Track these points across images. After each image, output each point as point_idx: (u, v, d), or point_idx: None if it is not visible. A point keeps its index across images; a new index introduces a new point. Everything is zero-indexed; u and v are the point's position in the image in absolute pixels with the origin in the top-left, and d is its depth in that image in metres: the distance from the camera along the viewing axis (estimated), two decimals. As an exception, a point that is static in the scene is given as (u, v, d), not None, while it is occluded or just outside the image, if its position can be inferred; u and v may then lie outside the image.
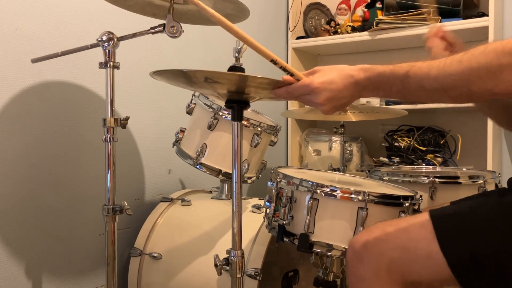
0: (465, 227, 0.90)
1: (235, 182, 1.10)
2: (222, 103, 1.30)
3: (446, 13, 2.15)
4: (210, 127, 1.48)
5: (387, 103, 2.31)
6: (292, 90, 0.99)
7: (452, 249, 0.89)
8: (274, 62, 0.97)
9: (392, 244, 0.94)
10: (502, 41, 0.82)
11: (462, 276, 0.88)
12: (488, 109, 1.35)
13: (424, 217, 0.94)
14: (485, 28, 2.05)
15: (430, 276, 0.91)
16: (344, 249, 1.14)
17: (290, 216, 1.20)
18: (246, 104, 1.09)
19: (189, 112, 1.59)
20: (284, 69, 0.99)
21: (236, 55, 1.21)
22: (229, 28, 0.94)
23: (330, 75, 0.97)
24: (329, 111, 1.00)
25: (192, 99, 1.58)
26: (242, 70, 1.09)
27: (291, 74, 0.99)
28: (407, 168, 1.92)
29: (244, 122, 1.45)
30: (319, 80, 0.96)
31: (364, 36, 2.34)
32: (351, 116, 1.86)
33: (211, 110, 1.48)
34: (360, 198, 1.14)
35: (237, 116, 1.08)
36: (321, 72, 0.98)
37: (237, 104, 1.08)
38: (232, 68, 1.10)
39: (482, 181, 1.48)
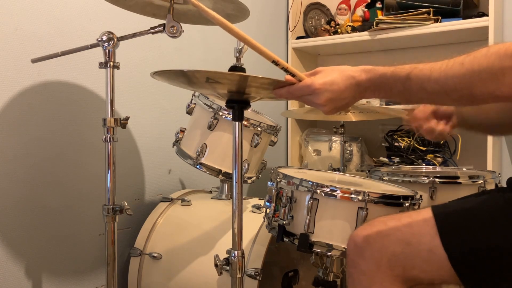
0: (467, 222, 0.91)
1: (236, 182, 1.10)
2: (222, 103, 1.30)
3: (446, 13, 2.15)
4: (210, 127, 1.48)
5: (387, 103, 2.31)
6: (293, 91, 0.99)
7: (454, 245, 0.89)
8: (275, 63, 0.98)
9: (394, 238, 0.95)
10: (505, 43, 0.82)
11: (463, 272, 0.89)
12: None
13: (426, 213, 0.95)
14: (485, 28, 2.05)
15: (431, 272, 0.91)
16: (344, 249, 1.14)
17: (290, 216, 1.20)
18: (246, 104, 1.09)
19: (189, 112, 1.59)
20: (286, 70, 0.99)
21: (237, 55, 1.21)
22: (230, 30, 0.94)
23: (332, 76, 0.97)
24: (330, 112, 1.00)
25: (192, 99, 1.58)
26: (243, 70, 1.09)
27: (293, 75, 0.99)
28: (407, 168, 1.92)
29: (244, 122, 1.45)
30: (320, 81, 0.96)
31: (364, 36, 2.34)
32: (351, 116, 1.87)
33: (211, 110, 1.48)
34: (360, 198, 1.14)
35: (238, 116, 1.08)
36: (323, 73, 0.99)
37: (237, 104, 1.08)
38: (233, 68, 1.10)
39: (482, 181, 1.48)
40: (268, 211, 1.30)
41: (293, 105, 2.61)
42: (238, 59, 1.22)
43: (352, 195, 1.15)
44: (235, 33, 0.94)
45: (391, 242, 0.95)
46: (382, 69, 0.95)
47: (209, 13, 0.93)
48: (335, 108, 1.00)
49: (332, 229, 1.17)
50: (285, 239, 1.22)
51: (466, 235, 0.90)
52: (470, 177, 1.51)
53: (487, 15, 2.06)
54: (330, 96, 0.97)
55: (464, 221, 0.92)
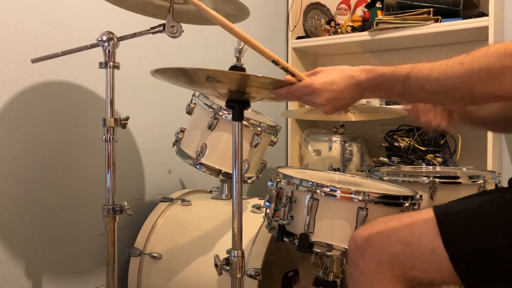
0: (469, 223, 0.91)
1: (236, 182, 1.10)
2: (222, 103, 1.30)
3: (446, 13, 2.15)
4: (210, 127, 1.48)
5: (387, 103, 2.31)
6: (293, 90, 0.99)
7: (455, 245, 0.89)
8: (275, 62, 0.98)
9: (395, 239, 0.95)
10: (505, 43, 0.82)
11: (463, 272, 0.88)
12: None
13: (428, 213, 0.94)
14: (485, 28, 2.05)
15: (432, 272, 0.91)
16: (344, 249, 1.14)
17: (290, 216, 1.20)
18: (246, 104, 1.09)
19: (189, 112, 1.59)
20: (286, 70, 0.99)
21: (237, 55, 1.21)
22: (230, 29, 0.94)
23: (332, 76, 0.97)
24: (330, 112, 1.00)
25: (192, 99, 1.58)
26: (243, 70, 1.09)
27: (293, 75, 0.99)
28: (407, 168, 1.92)
29: (244, 122, 1.45)
30: (320, 80, 0.96)
31: (364, 36, 2.34)
32: (351, 116, 1.86)
33: (211, 110, 1.48)
34: (360, 198, 1.14)
35: (238, 116, 1.08)
36: (323, 73, 0.99)
37: (237, 104, 1.08)
38: (233, 68, 1.10)
39: (482, 181, 1.48)
40: (268, 211, 1.30)
41: (293, 105, 2.61)
42: (238, 59, 1.22)
43: (352, 195, 1.15)
44: (235, 32, 0.94)
45: (392, 242, 0.95)
46: (382, 69, 0.95)
47: (210, 12, 0.93)
48: (335, 108, 1.00)
49: (332, 229, 1.17)
50: (285, 239, 1.22)
51: (467, 235, 0.90)
52: (470, 177, 1.51)
53: (487, 15, 2.06)
54: (330, 96, 0.97)
55: (465, 221, 0.91)
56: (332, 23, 2.52)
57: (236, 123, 1.09)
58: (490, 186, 1.50)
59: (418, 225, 0.94)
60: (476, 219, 0.92)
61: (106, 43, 1.24)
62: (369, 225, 1.02)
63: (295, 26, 2.59)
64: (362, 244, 0.98)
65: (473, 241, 0.89)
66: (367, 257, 0.96)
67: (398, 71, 0.93)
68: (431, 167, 2.03)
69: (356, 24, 2.46)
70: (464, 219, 0.92)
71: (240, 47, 1.21)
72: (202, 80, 1.06)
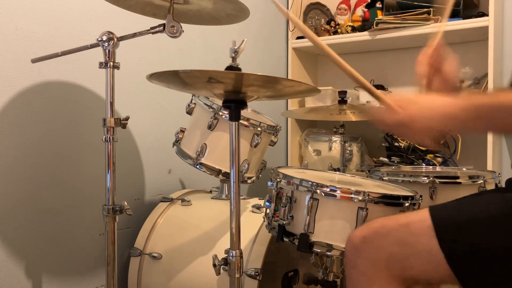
0: (465, 223, 0.91)
1: (233, 182, 1.10)
2: (222, 103, 1.30)
3: (446, 13, 2.15)
4: (210, 127, 1.48)
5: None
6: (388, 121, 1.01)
7: (451, 245, 0.89)
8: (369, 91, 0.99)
9: (392, 239, 0.95)
10: None
11: (460, 271, 0.88)
12: None
13: (424, 213, 0.95)
14: (485, 28, 2.05)
15: (429, 272, 0.91)
16: (344, 249, 1.14)
17: (290, 216, 1.20)
18: (243, 104, 1.09)
19: (189, 112, 1.59)
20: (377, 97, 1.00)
21: (233, 55, 1.20)
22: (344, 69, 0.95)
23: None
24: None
25: (192, 99, 1.58)
26: (239, 70, 1.09)
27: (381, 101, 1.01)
28: (407, 168, 1.92)
29: (244, 122, 1.45)
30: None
31: (364, 36, 2.34)
32: (351, 116, 1.86)
33: (211, 110, 1.48)
34: (360, 198, 1.14)
35: (234, 116, 1.08)
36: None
37: (234, 104, 1.08)
38: (228, 69, 1.10)
39: (482, 181, 1.48)
40: (268, 211, 1.30)
41: (293, 105, 2.61)
42: (234, 59, 1.22)
43: (352, 195, 1.15)
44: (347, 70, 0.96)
45: (389, 242, 0.95)
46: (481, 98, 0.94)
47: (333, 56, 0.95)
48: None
49: (332, 229, 1.18)
50: (285, 239, 1.22)
51: (463, 235, 0.90)
52: (470, 177, 1.51)
53: (487, 15, 2.06)
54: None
55: (461, 221, 0.92)
56: (332, 23, 2.52)
57: (233, 123, 1.09)
58: (490, 186, 1.51)
59: (414, 225, 0.94)
60: (472, 218, 0.92)
61: (106, 43, 1.24)
62: (366, 225, 1.02)
63: (295, 26, 2.59)
64: (359, 244, 0.98)
65: (469, 240, 0.89)
66: (364, 257, 0.97)
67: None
68: (431, 167, 2.03)
69: (356, 24, 2.46)
70: (460, 219, 0.92)
71: (236, 48, 1.21)
72: (203, 81, 1.06)
